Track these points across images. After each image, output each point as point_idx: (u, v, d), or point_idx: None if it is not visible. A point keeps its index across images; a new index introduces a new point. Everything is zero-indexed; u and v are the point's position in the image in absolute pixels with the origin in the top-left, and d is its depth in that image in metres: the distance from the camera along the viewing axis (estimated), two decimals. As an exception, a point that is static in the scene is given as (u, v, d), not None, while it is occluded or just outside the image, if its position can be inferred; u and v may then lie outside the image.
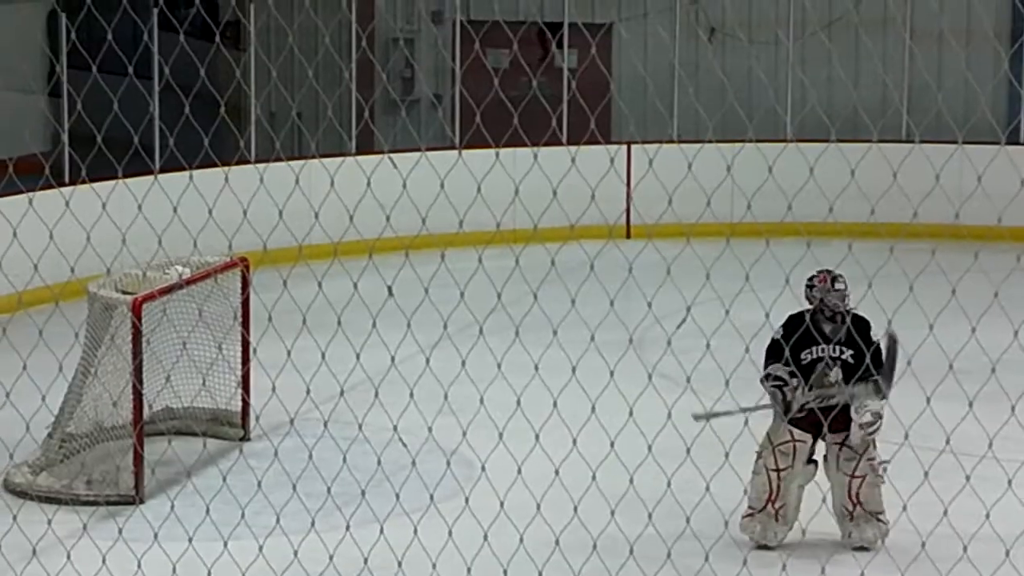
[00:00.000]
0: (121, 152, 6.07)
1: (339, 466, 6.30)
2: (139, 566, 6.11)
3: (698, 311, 6.14)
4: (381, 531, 6.11)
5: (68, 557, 6.13)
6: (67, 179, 14.22)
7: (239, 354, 10.52)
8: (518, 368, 5.99)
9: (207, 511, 6.24)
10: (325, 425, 6.20)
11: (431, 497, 6.79)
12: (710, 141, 7.00)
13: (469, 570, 6.06)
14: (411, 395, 5.83)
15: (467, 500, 6.40)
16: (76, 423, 9.97)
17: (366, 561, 6.17)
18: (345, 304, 5.82)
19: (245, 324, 10.33)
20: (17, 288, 6.86)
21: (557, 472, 5.77)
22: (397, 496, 6.42)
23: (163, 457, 9.22)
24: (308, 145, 18.11)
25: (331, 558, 6.06)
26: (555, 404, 5.50)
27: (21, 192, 6.40)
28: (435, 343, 6.23)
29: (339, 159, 13.48)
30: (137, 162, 6.79)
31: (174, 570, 6.19)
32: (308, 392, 5.94)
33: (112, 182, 6.13)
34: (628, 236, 18.26)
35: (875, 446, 8.65)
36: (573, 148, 6.62)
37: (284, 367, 5.87)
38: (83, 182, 7.21)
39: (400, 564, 6.26)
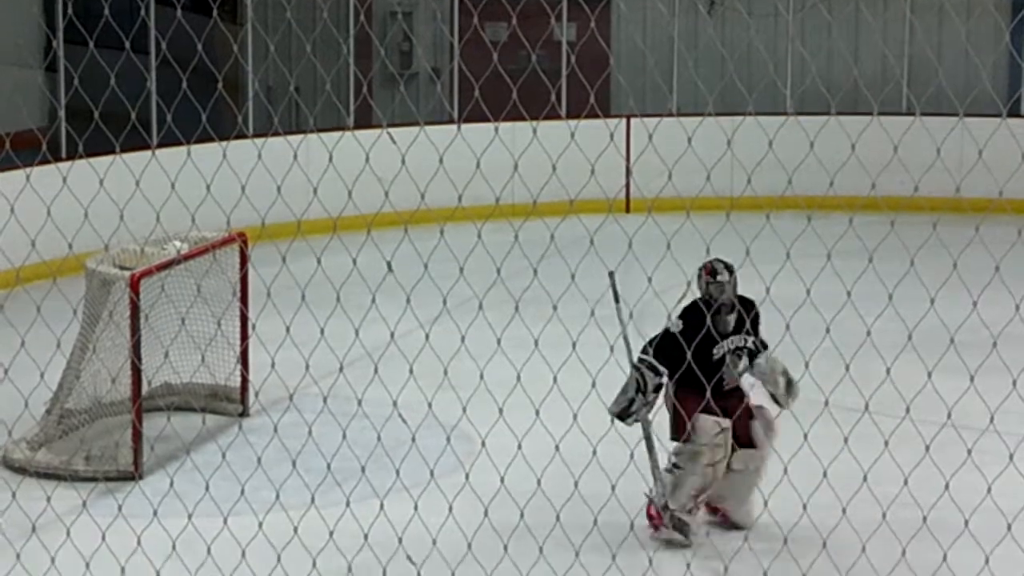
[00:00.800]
0: (118, 127, 6.04)
1: (339, 442, 6.28)
2: (138, 542, 6.10)
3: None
4: (381, 507, 6.09)
5: (67, 533, 6.12)
6: (64, 154, 14.19)
7: (238, 330, 10.49)
8: (518, 343, 5.96)
9: (206, 487, 6.23)
10: (324, 401, 6.17)
11: (431, 473, 6.78)
12: (710, 115, 6.97)
13: (470, 545, 6.05)
14: (411, 370, 5.81)
15: (467, 476, 6.39)
16: (75, 399, 9.96)
17: (366, 537, 6.16)
18: (344, 279, 5.80)
19: (244, 300, 10.31)
20: (14, 264, 6.82)
21: (557, 447, 5.75)
22: (397, 472, 6.40)
23: (162, 433, 9.21)
24: (306, 120, 18.07)
25: (331, 534, 6.05)
26: (555, 379, 5.48)
27: (18, 167, 6.36)
28: (434, 318, 6.21)
29: (337, 133, 13.43)
30: (134, 137, 6.76)
31: (173, 546, 6.18)
32: (307, 368, 5.92)
33: (109, 157, 6.08)
34: (628, 210, 18.25)
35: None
36: (572, 122, 6.58)
37: (283, 342, 5.85)
38: (80, 157, 7.17)
39: (400, 540, 6.25)
